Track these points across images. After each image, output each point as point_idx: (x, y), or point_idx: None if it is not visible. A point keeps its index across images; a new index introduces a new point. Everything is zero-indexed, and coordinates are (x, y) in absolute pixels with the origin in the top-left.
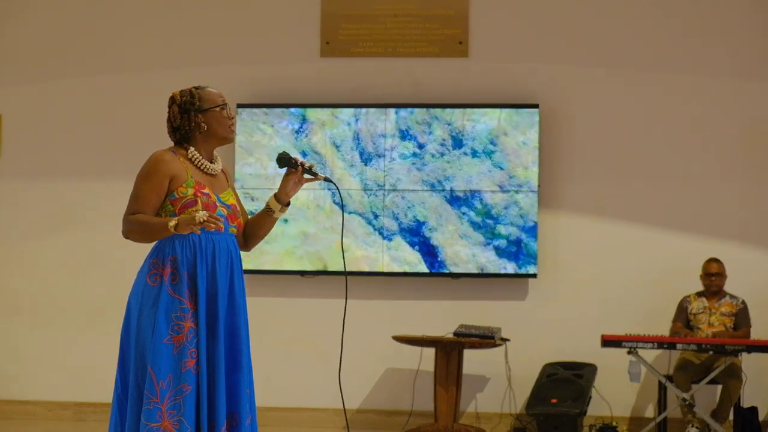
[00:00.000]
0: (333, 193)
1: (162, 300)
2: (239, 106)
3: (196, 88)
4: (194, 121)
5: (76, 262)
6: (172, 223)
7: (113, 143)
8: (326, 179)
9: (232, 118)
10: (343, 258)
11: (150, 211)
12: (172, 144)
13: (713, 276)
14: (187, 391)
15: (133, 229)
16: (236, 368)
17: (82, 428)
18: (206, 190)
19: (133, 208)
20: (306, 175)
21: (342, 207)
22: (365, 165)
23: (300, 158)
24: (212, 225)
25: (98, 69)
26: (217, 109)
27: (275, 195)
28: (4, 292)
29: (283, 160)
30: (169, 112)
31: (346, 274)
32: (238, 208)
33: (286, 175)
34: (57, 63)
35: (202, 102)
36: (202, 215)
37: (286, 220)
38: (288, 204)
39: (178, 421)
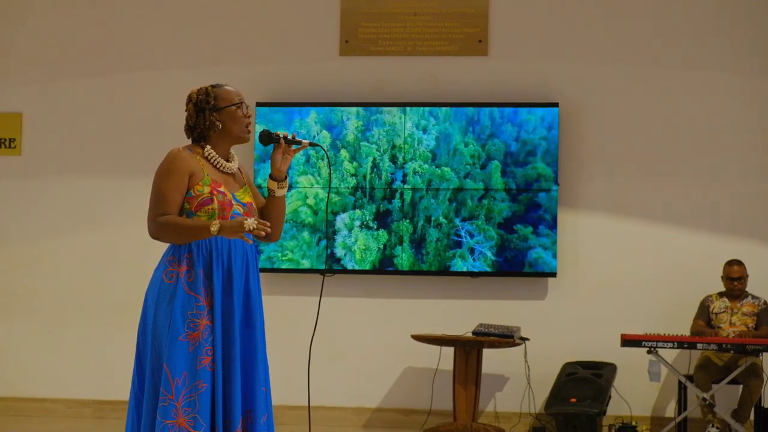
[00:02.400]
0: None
1: (178, 298)
2: (258, 104)
3: (213, 86)
4: (209, 119)
5: (97, 260)
6: (215, 228)
7: (133, 142)
8: (311, 144)
9: (249, 117)
10: (327, 212)
11: (175, 210)
12: (190, 143)
13: (735, 281)
14: (202, 389)
15: (166, 231)
16: (252, 366)
17: (102, 426)
18: (222, 188)
19: (160, 209)
20: (293, 146)
21: (329, 169)
22: (384, 163)
23: (281, 132)
24: (262, 233)
25: (118, 67)
26: (233, 107)
27: (270, 175)
28: (24, 290)
29: (265, 137)
30: (186, 111)
31: (327, 223)
32: (255, 205)
33: (273, 151)
34: (76, 61)
35: (218, 100)
36: (251, 223)
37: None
38: (285, 178)
39: (193, 418)
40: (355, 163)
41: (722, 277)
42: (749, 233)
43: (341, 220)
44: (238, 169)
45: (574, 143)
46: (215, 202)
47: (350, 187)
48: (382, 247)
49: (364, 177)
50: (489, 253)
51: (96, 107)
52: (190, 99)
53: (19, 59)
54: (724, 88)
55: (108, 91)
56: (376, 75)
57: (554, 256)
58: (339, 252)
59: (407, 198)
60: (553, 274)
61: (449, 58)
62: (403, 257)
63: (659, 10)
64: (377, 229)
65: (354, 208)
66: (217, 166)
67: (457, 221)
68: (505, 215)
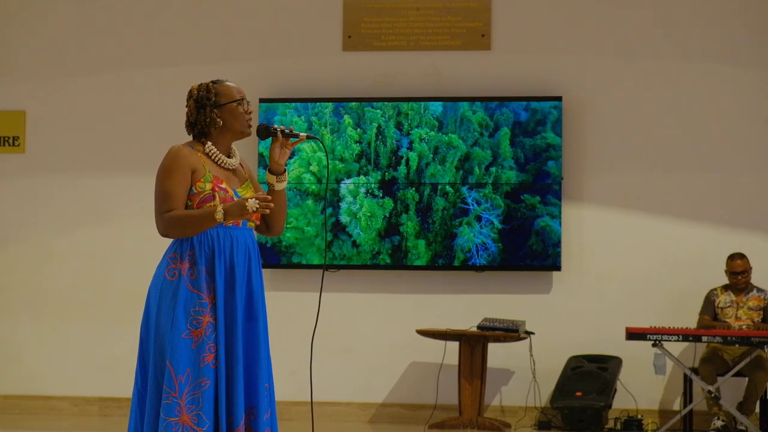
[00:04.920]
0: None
1: (180, 295)
2: (261, 100)
3: (214, 82)
4: (209, 116)
5: (101, 257)
6: (219, 215)
7: (137, 138)
8: (308, 137)
9: (250, 113)
10: (326, 207)
11: (181, 205)
12: (190, 139)
13: (739, 275)
14: (205, 386)
15: (174, 226)
16: (255, 362)
17: (107, 423)
18: (223, 185)
19: (165, 206)
20: (290, 140)
21: (327, 161)
22: (389, 130)
23: (278, 125)
24: (266, 211)
25: (122, 64)
26: (234, 104)
27: (268, 168)
28: (28, 287)
29: (262, 131)
30: (186, 107)
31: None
32: None
33: (271, 144)
34: (80, 59)
35: (219, 97)
36: (253, 204)
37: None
38: (284, 172)
39: (197, 415)
40: (359, 129)
41: (726, 272)
42: (754, 225)
43: (345, 186)
44: (240, 164)
45: (577, 137)
46: (217, 198)
47: (354, 153)
48: (387, 215)
49: (369, 144)
50: (496, 221)
51: (99, 105)
52: (190, 95)
53: (23, 57)
54: (728, 80)
55: (111, 88)
56: (379, 70)
57: (560, 225)
58: (344, 219)
59: (413, 165)
60: (558, 268)
61: (452, 52)
62: (409, 225)
63: (662, 2)
64: (382, 197)
65: (358, 174)
66: (219, 162)
67: (464, 189)
68: (513, 184)
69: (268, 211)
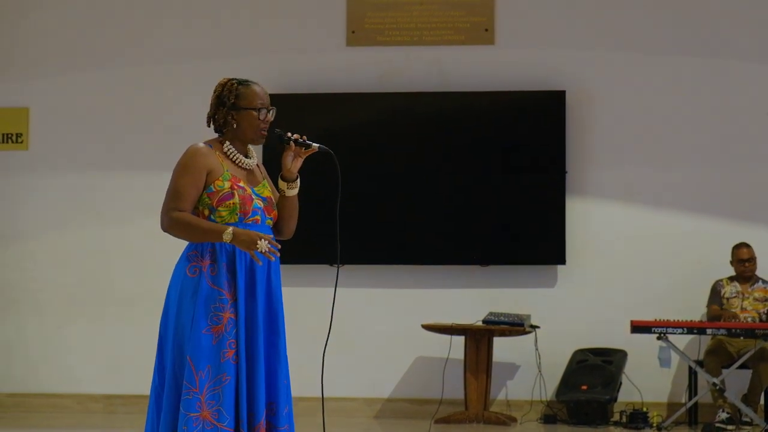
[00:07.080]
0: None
1: (201, 291)
2: None
3: (240, 83)
4: (225, 117)
5: (106, 255)
6: (228, 237)
7: (141, 136)
8: (320, 148)
9: (267, 122)
10: (338, 225)
11: (190, 206)
12: (200, 138)
13: (746, 262)
14: (226, 381)
15: (179, 228)
16: (275, 358)
17: (112, 420)
18: (242, 184)
19: (174, 204)
20: (304, 149)
21: (339, 174)
22: (393, 153)
23: (291, 133)
24: (272, 258)
25: (125, 61)
26: (252, 111)
27: (280, 175)
28: (32, 285)
29: (276, 138)
30: (211, 99)
31: (338, 242)
32: (274, 200)
33: (284, 152)
34: (83, 56)
35: (239, 99)
36: (264, 245)
37: None
38: (296, 179)
39: (217, 411)
40: (366, 122)
41: (731, 262)
42: (758, 218)
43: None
44: (257, 164)
45: (581, 130)
46: (236, 196)
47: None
48: (392, 209)
49: (375, 138)
50: (500, 215)
51: (102, 101)
52: (216, 89)
53: (26, 54)
54: (732, 74)
55: (115, 85)
56: (383, 65)
57: (565, 218)
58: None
59: (418, 160)
60: (563, 262)
61: (456, 47)
62: (414, 220)
63: None
64: (388, 192)
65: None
66: (236, 161)
67: (469, 183)
68: (517, 177)
69: (273, 258)
